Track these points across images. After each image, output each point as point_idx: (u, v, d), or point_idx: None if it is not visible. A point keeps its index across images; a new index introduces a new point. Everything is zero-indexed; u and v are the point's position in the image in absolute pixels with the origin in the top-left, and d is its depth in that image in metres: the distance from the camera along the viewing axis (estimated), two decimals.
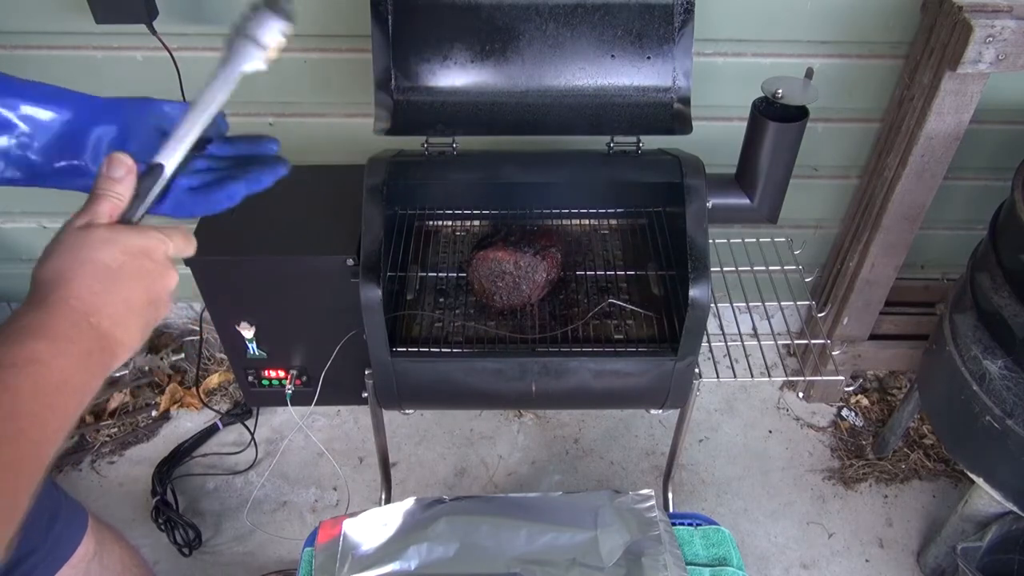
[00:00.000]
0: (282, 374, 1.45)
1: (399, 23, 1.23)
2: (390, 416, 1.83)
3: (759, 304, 1.47)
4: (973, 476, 1.40)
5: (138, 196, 0.64)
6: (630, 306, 1.35)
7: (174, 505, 1.68)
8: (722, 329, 1.42)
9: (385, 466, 1.61)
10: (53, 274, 0.52)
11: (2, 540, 0.43)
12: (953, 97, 1.39)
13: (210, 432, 1.86)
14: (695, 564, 1.11)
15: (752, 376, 1.37)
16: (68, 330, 0.50)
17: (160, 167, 0.65)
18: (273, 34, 0.66)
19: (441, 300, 1.39)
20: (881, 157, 1.59)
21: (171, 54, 1.39)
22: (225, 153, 0.74)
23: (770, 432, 1.90)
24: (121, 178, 0.62)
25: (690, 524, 1.17)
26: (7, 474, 0.43)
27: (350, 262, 1.26)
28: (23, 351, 0.47)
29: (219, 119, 0.73)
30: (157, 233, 0.61)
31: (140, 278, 0.58)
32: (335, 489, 1.78)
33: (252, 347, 1.40)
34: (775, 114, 1.20)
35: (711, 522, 1.18)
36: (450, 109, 1.27)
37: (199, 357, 1.93)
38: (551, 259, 1.32)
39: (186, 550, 1.63)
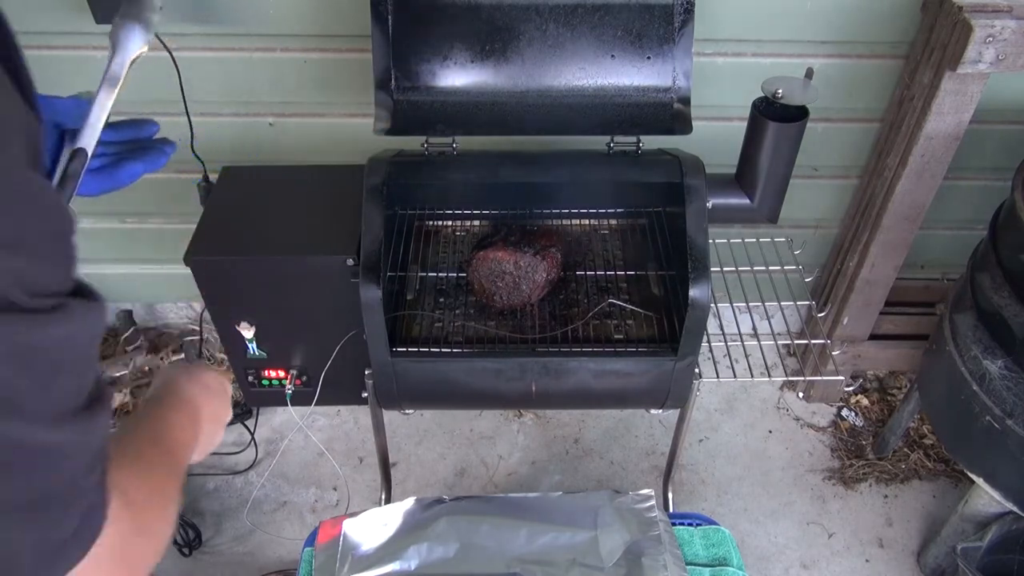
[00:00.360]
0: (282, 374, 1.45)
1: (399, 23, 1.23)
2: (390, 416, 1.82)
3: (759, 304, 1.47)
4: (973, 476, 1.40)
5: (70, 178, 0.72)
6: (630, 306, 1.35)
7: None
8: (722, 329, 1.42)
9: (385, 466, 1.61)
10: (178, 386, 0.73)
11: (169, 528, 0.56)
12: (953, 97, 1.39)
13: None
14: (695, 564, 1.11)
15: (752, 376, 1.37)
16: (191, 414, 0.71)
17: (84, 151, 0.74)
18: (140, 39, 0.80)
19: (441, 300, 1.39)
20: (881, 157, 1.59)
21: (171, 54, 1.39)
22: (111, 138, 0.82)
23: (770, 432, 1.90)
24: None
25: (690, 524, 1.17)
26: (177, 480, 0.61)
27: (350, 262, 1.26)
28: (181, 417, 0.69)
29: None
30: (227, 379, 0.82)
31: (219, 402, 0.77)
32: (335, 489, 1.78)
33: (252, 347, 1.40)
34: (775, 114, 1.20)
35: (711, 522, 1.18)
36: (450, 109, 1.27)
37: (199, 357, 1.93)
38: (551, 259, 1.32)
39: (186, 550, 1.63)
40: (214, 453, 1.82)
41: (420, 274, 1.39)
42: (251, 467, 1.81)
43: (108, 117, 0.79)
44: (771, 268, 1.50)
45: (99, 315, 0.43)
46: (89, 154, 0.74)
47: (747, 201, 1.30)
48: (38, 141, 0.41)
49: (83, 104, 0.77)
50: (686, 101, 1.27)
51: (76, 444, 0.42)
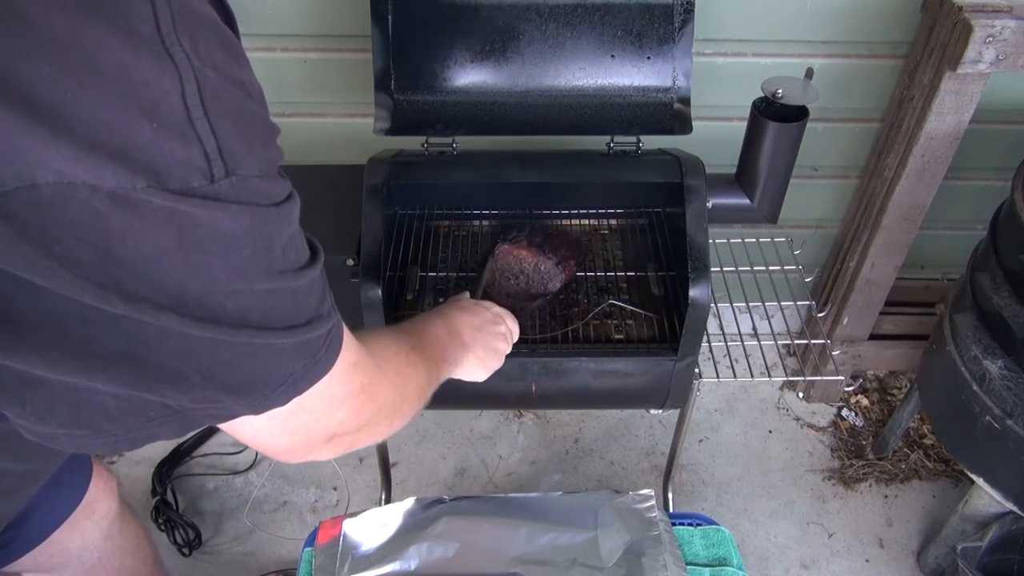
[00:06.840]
0: None
1: (399, 23, 1.23)
2: None
3: (759, 304, 1.47)
4: (973, 476, 1.40)
5: None
6: (630, 306, 1.35)
7: (174, 505, 1.68)
8: (722, 329, 1.42)
9: (385, 466, 1.61)
10: (444, 307, 1.01)
11: (406, 402, 0.76)
12: (953, 97, 1.39)
13: (210, 432, 1.85)
14: (695, 564, 1.11)
15: (752, 376, 1.37)
16: (449, 325, 0.96)
17: None
18: None
19: (441, 300, 1.39)
20: (881, 157, 1.59)
21: None
22: None
23: (770, 432, 1.90)
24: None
25: (690, 524, 1.17)
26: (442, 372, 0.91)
27: (350, 262, 1.26)
28: (453, 345, 0.95)
29: None
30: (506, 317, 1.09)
31: (478, 325, 1.02)
32: (335, 489, 1.78)
33: None
34: (775, 114, 1.20)
35: (711, 522, 1.18)
36: (450, 109, 1.27)
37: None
38: (568, 271, 1.32)
39: (186, 550, 1.63)
40: (214, 453, 1.83)
41: (420, 274, 1.39)
42: (251, 467, 1.81)
43: None
44: (771, 268, 1.50)
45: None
46: None
47: (747, 201, 1.30)
48: None
49: None
50: (686, 101, 1.27)
51: (314, 279, 0.56)
